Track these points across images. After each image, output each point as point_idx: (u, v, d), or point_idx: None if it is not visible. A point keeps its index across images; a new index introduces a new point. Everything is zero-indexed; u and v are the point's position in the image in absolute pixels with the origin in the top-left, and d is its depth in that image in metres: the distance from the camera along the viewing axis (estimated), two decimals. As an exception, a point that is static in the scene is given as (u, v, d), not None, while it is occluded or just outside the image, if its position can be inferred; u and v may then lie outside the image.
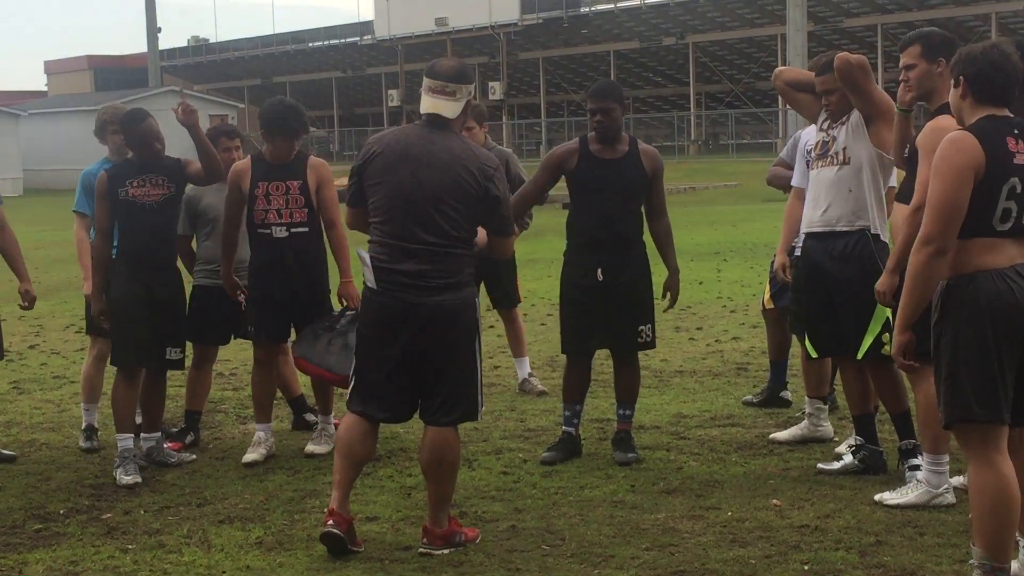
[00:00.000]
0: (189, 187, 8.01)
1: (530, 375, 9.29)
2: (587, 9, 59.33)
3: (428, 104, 5.66)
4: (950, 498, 6.02)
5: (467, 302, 5.63)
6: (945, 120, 5.74)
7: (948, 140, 4.83)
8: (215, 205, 7.75)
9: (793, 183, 7.66)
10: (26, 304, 7.68)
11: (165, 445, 7.51)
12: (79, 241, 7.84)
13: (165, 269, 7.23)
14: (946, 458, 6.09)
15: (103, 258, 7.14)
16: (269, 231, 7.22)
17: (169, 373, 7.47)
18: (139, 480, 6.92)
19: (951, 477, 6.16)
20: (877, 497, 6.18)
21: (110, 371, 7.36)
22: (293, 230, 7.24)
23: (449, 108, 5.63)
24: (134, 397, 7.22)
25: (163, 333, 7.17)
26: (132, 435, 7.15)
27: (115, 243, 7.21)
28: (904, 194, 5.97)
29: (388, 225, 5.61)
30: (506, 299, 9.26)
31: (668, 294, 7.30)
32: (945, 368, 4.83)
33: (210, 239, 7.80)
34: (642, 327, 7.19)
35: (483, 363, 5.91)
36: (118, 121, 7.57)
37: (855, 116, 6.53)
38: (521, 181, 8.39)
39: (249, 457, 7.32)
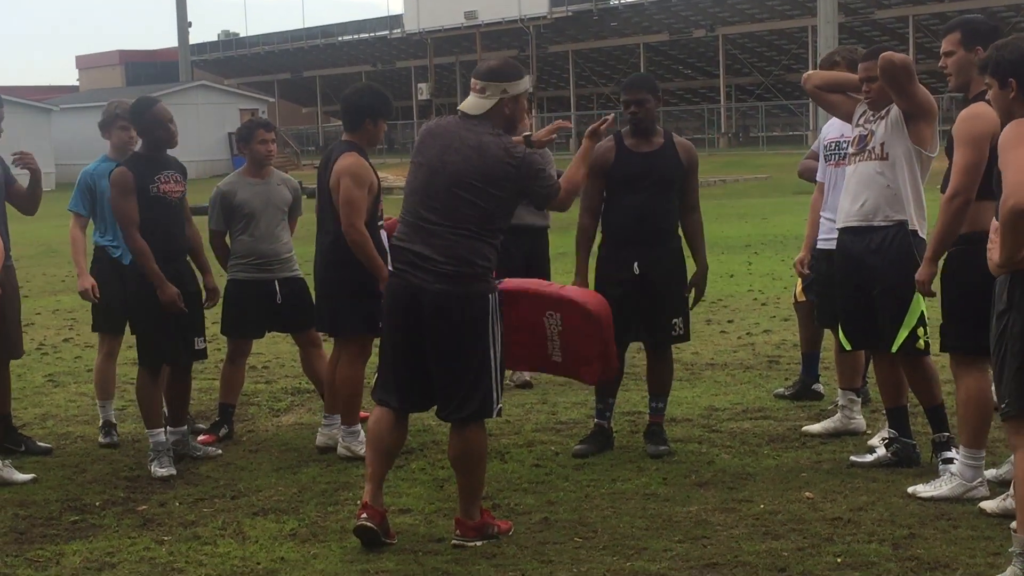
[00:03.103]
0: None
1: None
2: (616, 2, 59.18)
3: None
4: (984, 491, 6.00)
5: (474, 296, 5.55)
6: (980, 107, 5.69)
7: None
8: (250, 201, 7.78)
9: (817, 178, 7.66)
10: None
11: (199, 438, 7.57)
12: (74, 240, 7.74)
13: (187, 262, 7.32)
14: (983, 452, 6.06)
15: (149, 252, 6.96)
16: (381, 224, 7.32)
17: (199, 366, 7.49)
18: (174, 472, 6.97)
19: (985, 470, 6.14)
20: (910, 490, 6.17)
21: (122, 367, 7.39)
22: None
23: (472, 104, 5.66)
24: (160, 393, 7.23)
25: (190, 324, 7.20)
26: (163, 429, 7.18)
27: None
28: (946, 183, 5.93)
29: (408, 202, 5.69)
30: None
31: (693, 290, 7.28)
32: (1015, 358, 4.84)
33: (245, 233, 7.81)
34: (675, 320, 7.18)
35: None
36: (126, 115, 7.58)
37: (894, 111, 6.46)
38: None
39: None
